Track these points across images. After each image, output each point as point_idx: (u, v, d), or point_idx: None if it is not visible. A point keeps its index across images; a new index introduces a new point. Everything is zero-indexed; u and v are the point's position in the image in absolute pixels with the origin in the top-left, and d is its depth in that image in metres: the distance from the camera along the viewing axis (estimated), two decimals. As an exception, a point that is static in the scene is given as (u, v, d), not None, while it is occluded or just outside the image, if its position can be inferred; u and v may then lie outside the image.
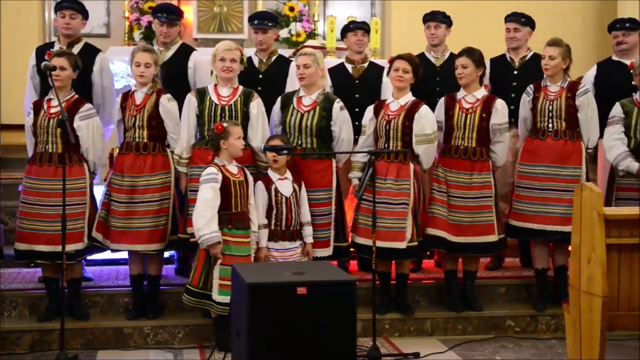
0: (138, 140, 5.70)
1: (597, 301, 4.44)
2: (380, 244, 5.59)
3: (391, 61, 5.88)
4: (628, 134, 5.96)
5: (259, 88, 6.14)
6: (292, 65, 6.27)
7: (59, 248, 5.29)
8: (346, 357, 4.06)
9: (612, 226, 4.50)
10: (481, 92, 5.97)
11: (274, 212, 5.56)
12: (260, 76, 6.36)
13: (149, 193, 5.66)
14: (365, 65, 6.56)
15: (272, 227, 5.57)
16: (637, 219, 4.57)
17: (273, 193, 5.55)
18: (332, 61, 7.42)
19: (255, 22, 6.42)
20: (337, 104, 5.84)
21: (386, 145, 5.81)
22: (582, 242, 4.61)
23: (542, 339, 5.90)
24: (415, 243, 5.79)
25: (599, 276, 4.42)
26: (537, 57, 6.30)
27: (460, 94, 5.95)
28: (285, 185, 5.58)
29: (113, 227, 5.65)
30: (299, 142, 5.80)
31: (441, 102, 6.00)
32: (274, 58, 6.46)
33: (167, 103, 5.73)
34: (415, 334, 5.93)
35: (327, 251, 5.83)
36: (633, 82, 6.07)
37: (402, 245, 5.72)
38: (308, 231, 5.65)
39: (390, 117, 5.79)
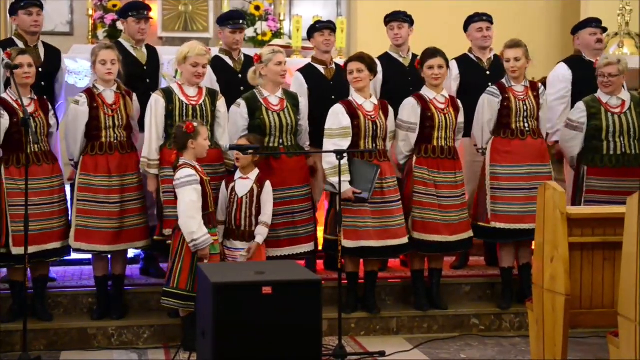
0: (120, 140, 5.64)
1: (559, 299, 4.48)
2: (391, 242, 5.74)
3: (345, 65, 5.89)
4: (600, 137, 6.02)
5: (242, 88, 6.12)
6: None
7: (49, 246, 5.38)
8: (311, 356, 4.07)
9: (574, 225, 4.54)
10: (446, 92, 6.02)
11: (228, 210, 5.56)
12: (240, 76, 6.33)
13: (139, 190, 5.69)
14: (334, 66, 6.57)
15: (227, 225, 5.56)
16: (599, 218, 4.63)
17: (229, 192, 5.55)
18: (299, 61, 7.42)
19: (231, 22, 6.39)
20: (301, 98, 5.93)
21: (374, 144, 5.79)
22: (545, 241, 4.65)
23: (507, 337, 5.94)
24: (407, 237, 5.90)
25: (561, 274, 4.46)
26: (498, 57, 6.35)
27: (430, 95, 5.93)
28: (243, 184, 5.55)
29: (108, 230, 5.55)
30: (281, 141, 5.79)
31: (414, 103, 5.89)
32: (243, 57, 6.45)
33: (137, 102, 5.74)
34: (381, 333, 5.94)
35: (310, 246, 5.87)
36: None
37: (406, 240, 5.82)
38: (260, 230, 5.54)
39: (373, 117, 5.79)
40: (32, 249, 5.30)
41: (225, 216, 5.58)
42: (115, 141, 5.63)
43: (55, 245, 5.57)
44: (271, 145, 5.76)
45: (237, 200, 5.53)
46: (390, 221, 5.76)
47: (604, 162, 6.02)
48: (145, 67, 6.23)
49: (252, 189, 5.55)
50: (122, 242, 5.63)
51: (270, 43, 8.19)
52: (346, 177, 5.63)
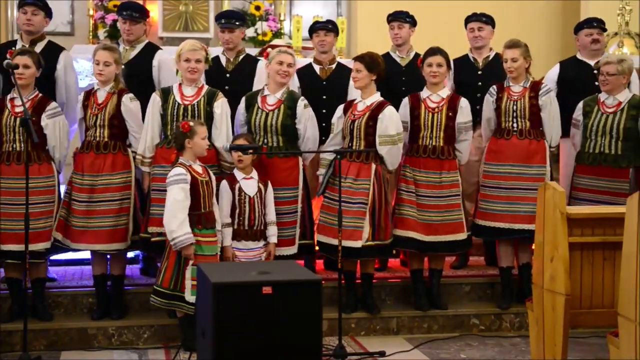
0: (99, 139, 5.65)
1: (559, 299, 4.48)
2: (345, 242, 5.63)
3: None
4: (585, 135, 6.04)
5: (227, 87, 6.12)
6: (260, 65, 6.28)
7: (29, 247, 5.27)
8: (312, 356, 4.06)
9: (574, 225, 4.54)
10: (445, 92, 6.01)
11: (237, 211, 5.54)
12: (228, 75, 6.34)
13: (109, 192, 5.62)
14: (334, 66, 6.56)
15: (236, 227, 5.55)
16: (599, 218, 4.62)
17: (237, 192, 5.54)
18: (299, 60, 7.41)
19: (222, 21, 6.39)
20: (301, 102, 5.86)
21: (350, 144, 5.82)
22: (545, 241, 4.65)
23: (507, 337, 5.94)
24: (372, 243, 5.77)
25: (561, 274, 4.46)
26: (499, 57, 6.36)
27: (424, 94, 5.97)
28: (249, 184, 5.57)
29: (73, 227, 5.61)
30: (265, 141, 5.79)
31: (405, 102, 6.00)
32: (241, 57, 6.44)
33: (129, 102, 5.70)
34: (381, 333, 5.94)
35: (293, 249, 5.84)
36: (597, 82, 6.14)
37: (358, 244, 5.71)
38: (272, 231, 5.62)
39: (355, 116, 5.80)
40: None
41: (236, 217, 5.55)
42: (94, 140, 5.65)
43: (12, 247, 5.46)
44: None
45: (249, 200, 5.54)
46: (346, 221, 5.63)
47: (582, 160, 6.07)
48: (122, 67, 6.19)
49: (259, 189, 5.58)
50: (83, 242, 5.61)
51: (271, 43, 8.19)
52: (321, 172, 5.90)
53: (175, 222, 5.16)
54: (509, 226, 5.95)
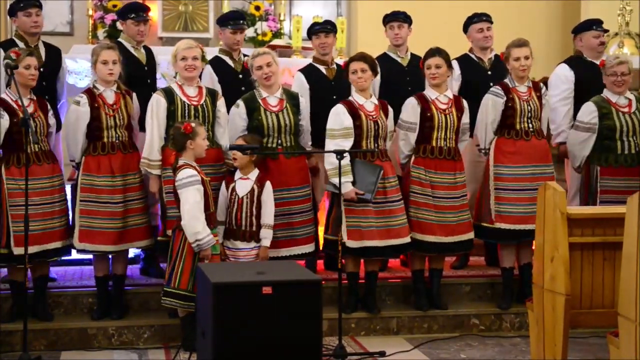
0: (122, 139, 5.65)
1: (560, 299, 4.48)
2: (393, 242, 5.76)
3: (346, 65, 5.88)
4: (613, 137, 6.01)
5: (243, 88, 6.11)
6: None
7: (50, 246, 5.40)
8: (312, 356, 4.07)
9: (574, 225, 4.54)
10: (450, 92, 6.00)
11: (228, 210, 5.56)
12: (241, 76, 6.33)
13: (139, 190, 5.70)
14: (335, 66, 6.56)
15: (227, 226, 5.57)
16: (599, 218, 4.63)
17: (229, 192, 5.55)
18: (299, 61, 7.42)
19: (232, 22, 6.39)
20: (302, 98, 5.93)
21: (376, 145, 5.79)
22: (545, 241, 4.65)
23: (507, 337, 5.94)
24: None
25: (561, 274, 4.47)
26: (499, 58, 6.36)
27: (432, 95, 5.92)
28: (243, 185, 5.55)
29: (111, 230, 5.56)
30: (279, 142, 5.78)
31: (414, 103, 5.90)
32: (243, 57, 6.45)
33: (137, 102, 5.73)
34: (381, 333, 5.94)
35: (310, 247, 5.88)
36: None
37: (408, 239, 5.82)
38: (265, 234, 5.56)
39: (374, 117, 5.79)
40: (33, 249, 5.32)
41: (226, 216, 5.57)
42: (117, 141, 5.63)
43: (56, 244, 5.56)
44: (270, 145, 5.75)
45: (237, 200, 5.53)
46: (392, 221, 5.76)
47: (619, 162, 6.01)
48: (146, 68, 6.24)
49: (252, 189, 5.55)
50: (125, 242, 5.64)
51: (270, 43, 8.20)
52: (348, 178, 5.65)
53: (200, 224, 5.16)
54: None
